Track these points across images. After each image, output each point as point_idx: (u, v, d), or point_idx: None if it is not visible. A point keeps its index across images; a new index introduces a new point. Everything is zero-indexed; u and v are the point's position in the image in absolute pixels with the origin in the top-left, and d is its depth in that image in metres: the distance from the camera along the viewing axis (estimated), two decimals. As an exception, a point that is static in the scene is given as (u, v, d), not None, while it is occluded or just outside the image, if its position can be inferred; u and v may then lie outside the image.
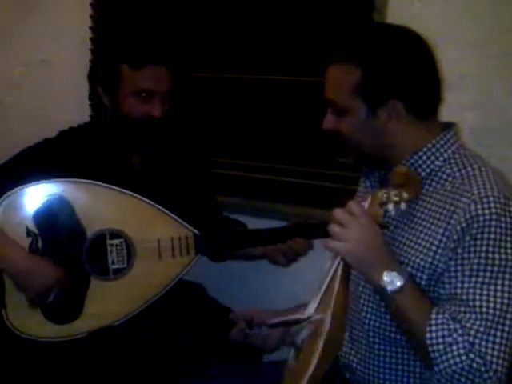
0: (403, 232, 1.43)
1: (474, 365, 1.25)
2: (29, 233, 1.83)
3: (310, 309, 1.41)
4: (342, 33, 1.55)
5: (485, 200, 1.30)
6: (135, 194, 1.88)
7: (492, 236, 1.28)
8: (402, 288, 1.29)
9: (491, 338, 1.26)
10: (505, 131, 2.01)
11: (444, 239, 1.34)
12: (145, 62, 1.87)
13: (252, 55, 2.53)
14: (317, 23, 2.36)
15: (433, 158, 1.43)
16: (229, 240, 1.95)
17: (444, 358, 1.26)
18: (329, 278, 1.38)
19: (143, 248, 1.87)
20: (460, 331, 1.27)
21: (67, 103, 2.81)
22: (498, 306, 1.27)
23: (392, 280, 1.30)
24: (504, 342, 1.26)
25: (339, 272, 1.35)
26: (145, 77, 1.87)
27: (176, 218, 1.89)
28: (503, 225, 1.29)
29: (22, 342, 1.84)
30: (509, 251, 1.29)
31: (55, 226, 1.85)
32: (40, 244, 1.84)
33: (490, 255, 1.28)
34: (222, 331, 1.85)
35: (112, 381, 1.83)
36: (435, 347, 1.27)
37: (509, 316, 1.28)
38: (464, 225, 1.30)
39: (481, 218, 1.29)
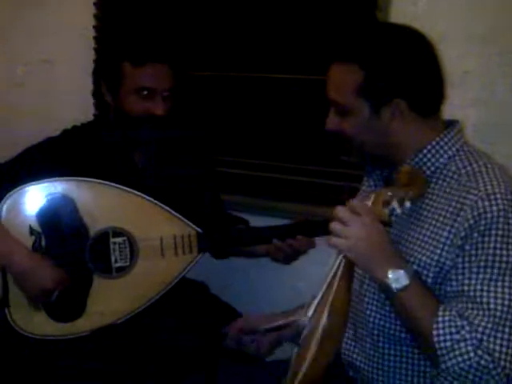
0: (409, 230, 1.43)
1: (482, 362, 1.24)
2: (32, 231, 1.84)
3: (311, 308, 1.40)
4: (344, 32, 1.55)
5: (492, 197, 1.30)
6: (138, 192, 1.89)
7: (500, 232, 1.28)
8: (407, 286, 1.29)
9: (499, 335, 1.25)
10: (508, 128, 2.02)
11: (451, 236, 1.34)
12: (146, 59, 1.87)
13: (256, 53, 2.54)
14: (320, 21, 2.36)
15: (437, 155, 1.43)
16: (231, 238, 1.95)
17: (451, 355, 1.26)
18: (330, 275, 1.38)
19: (146, 246, 1.87)
20: (468, 328, 1.26)
21: (70, 102, 2.81)
22: (506, 303, 1.27)
23: (397, 278, 1.29)
24: None
25: (340, 269, 1.35)
26: (146, 74, 1.87)
27: (179, 216, 1.90)
28: (510, 221, 1.29)
29: (25, 341, 1.84)
30: None
31: (58, 224, 1.85)
32: (43, 242, 1.84)
33: (498, 252, 1.28)
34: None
35: (115, 379, 1.83)
36: (442, 344, 1.27)
37: None
38: (471, 222, 1.30)
39: (488, 215, 1.29)
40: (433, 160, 1.43)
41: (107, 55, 2.02)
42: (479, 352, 1.25)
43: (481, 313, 1.27)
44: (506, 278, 1.28)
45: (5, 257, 1.81)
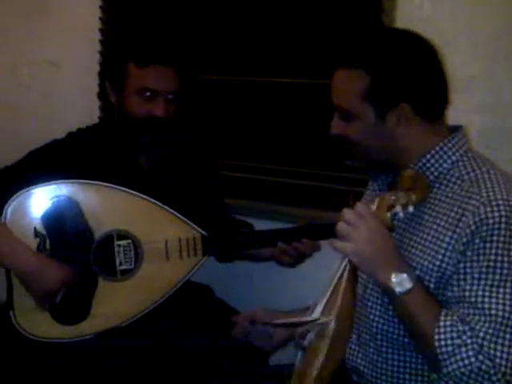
0: (411, 235, 1.43)
1: (483, 367, 1.25)
2: (37, 234, 1.84)
3: (317, 311, 1.40)
4: (349, 37, 1.55)
5: (494, 203, 1.30)
6: (143, 195, 1.89)
7: (501, 239, 1.28)
8: (410, 290, 1.29)
9: (500, 341, 1.26)
10: (513, 134, 2.01)
11: (453, 242, 1.34)
12: (150, 60, 1.88)
13: (261, 58, 2.54)
14: (325, 25, 2.36)
15: (441, 160, 1.43)
16: (236, 241, 1.95)
17: (452, 359, 1.26)
18: (336, 279, 1.38)
19: (151, 249, 1.87)
20: (469, 333, 1.27)
21: (76, 104, 2.82)
22: (508, 309, 1.27)
23: (401, 281, 1.29)
24: None
25: (346, 273, 1.35)
26: (150, 75, 1.88)
27: (183, 218, 1.90)
28: None
29: (29, 343, 1.84)
30: None
31: (63, 227, 1.86)
32: (48, 245, 1.85)
33: (500, 258, 1.28)
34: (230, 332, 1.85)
35: (119, 381, 1.83)
36: (444, 349, 1.27)
37: None
38: (473, 227, 1.30)
39: (490, 221, 1.29)
40: (436, 165, 1.43)
41: (113, 55, 2.04)
42: (480, 357, 1.25)
43: (482, 318, 1.27)
44: (508, 284, 1.28)
45: (9, 257, 1.81)
